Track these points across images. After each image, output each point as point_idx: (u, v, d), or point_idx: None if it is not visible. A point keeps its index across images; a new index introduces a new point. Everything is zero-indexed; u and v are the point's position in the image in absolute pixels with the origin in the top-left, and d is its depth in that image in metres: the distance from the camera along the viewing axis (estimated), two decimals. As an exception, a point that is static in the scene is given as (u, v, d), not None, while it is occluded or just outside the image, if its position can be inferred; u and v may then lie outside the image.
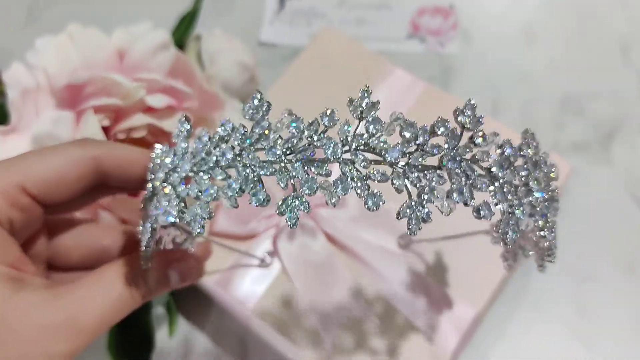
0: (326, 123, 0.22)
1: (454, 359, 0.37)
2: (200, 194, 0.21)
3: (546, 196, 0.23)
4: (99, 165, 0.25)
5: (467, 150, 0.21)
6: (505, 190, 0.22)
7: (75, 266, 0.28)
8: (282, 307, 0.38)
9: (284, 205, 0.21)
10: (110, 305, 0.23)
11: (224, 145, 0.22)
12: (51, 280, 0.28)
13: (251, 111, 0.22)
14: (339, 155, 0.21)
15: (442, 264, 0.39)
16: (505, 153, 0.22)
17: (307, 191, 0.21)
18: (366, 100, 0.22)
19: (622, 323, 0.44)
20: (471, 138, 0.22)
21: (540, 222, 0.23)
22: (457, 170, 0.21)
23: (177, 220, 0.21)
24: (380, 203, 0.21)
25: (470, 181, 0.21)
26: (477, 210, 0.21)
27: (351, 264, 0.39)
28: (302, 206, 0.21)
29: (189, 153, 0.22)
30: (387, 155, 0.21)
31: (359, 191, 0.21)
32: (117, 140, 0.37)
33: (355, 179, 0.21)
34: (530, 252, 0.28)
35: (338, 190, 0.21)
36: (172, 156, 0.22)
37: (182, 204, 0.21)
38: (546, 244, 0.24)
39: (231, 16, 0.59)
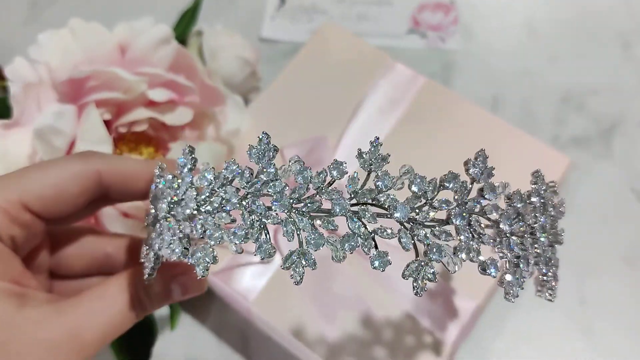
0: (335, 175, 0.21)
1: (454, 351, 0.37)
2: (204, 233, 0.21)
3: (551, 238, 0.24)
4: (101, 179, 0.25)
5: (476, 204, 0.21)
6: (511, 243, 0.22)
7: (78, 274, 0.28)
8: (283, 300, 0.38)
9: (288, 262, 0.21)
10: (112, 320, 0.23)
11: (229, 188, 0.21)
12: (54, 289, 0.28)
13: (257, 155, 0.22)
14: (347, 210, 0.21)
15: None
16: (514, 205, 0.22)
17: (313, 248, 0.21)
18: (376, 153, 0.21)
19: (624, 316, 0.45)
20: (481, 190, 0.22)
21: (544, 270, 0.23)
22: (465, 227, 0.21)
23: (182, 258, 0.21)
24: (388, 264, 0.21)
25: (477, 236, 0.21)
26: (482, 268, 0.21)
27: (352, 257, 0.39)
28: (308, 263, 0.21)
29: (193, 189, 0.21)
30: (395, 214, 0.21)
31: (365, 250, 0.21)
32: (119, 134, 0.37)
33: (363, 236, 0.21)
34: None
35: (345, 247, 0.21)
36: (175, 188, 0.22)
37: (186, 240, 0.21)
38: (547, 284, 0.25)
39: (232, 12, 0.60)
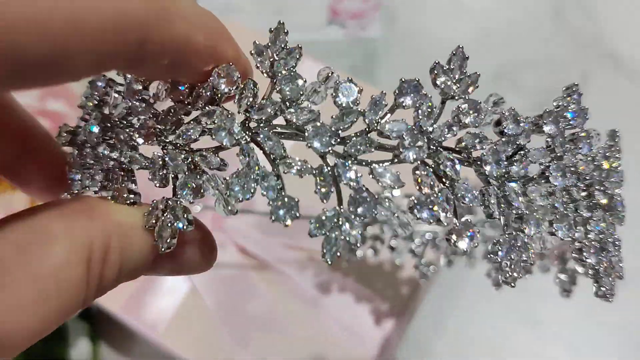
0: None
1: (384, 353, 0.35)
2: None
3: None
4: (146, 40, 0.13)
5: (572, 158, 0.17)
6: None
7: None
8: (194, 328, 0.36)
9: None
10: (48, 313, 0.14)
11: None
12: None
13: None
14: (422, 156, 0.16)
15: (360, 264, 0.36)
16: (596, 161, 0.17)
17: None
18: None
19: (566, 304, 0.42)
20: (573, 140, 0.17)
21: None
22: (562, 191, 0.16)
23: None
24: (474, 247, 0.15)
25: (574, 205, 0.17)
26: (578, 253, 0.17)
27: (266, 274, 0.37)
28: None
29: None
30: (486, 168, 0.16)
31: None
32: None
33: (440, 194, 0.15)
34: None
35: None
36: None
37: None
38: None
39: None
